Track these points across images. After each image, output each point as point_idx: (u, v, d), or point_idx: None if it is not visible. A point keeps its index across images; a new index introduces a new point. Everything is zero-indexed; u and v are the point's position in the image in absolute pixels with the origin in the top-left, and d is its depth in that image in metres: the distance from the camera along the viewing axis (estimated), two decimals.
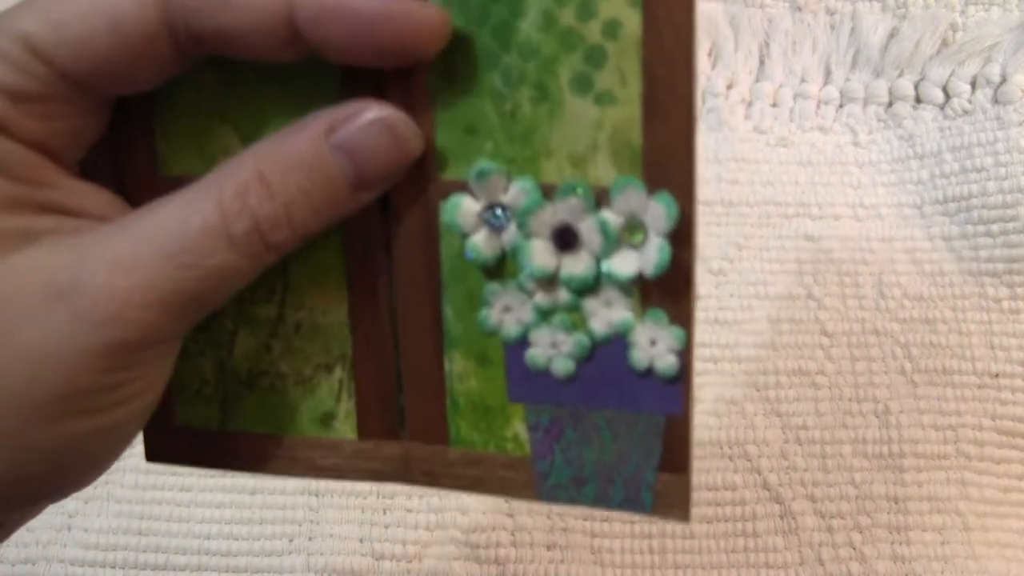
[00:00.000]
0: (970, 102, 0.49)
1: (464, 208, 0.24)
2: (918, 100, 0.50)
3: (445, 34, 0.22)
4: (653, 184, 0.22)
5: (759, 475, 0.42)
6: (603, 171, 0.23)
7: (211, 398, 0.27)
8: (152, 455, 0.27)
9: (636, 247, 0.23)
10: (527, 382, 0.25)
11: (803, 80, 0.51)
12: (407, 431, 0.26)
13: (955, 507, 0.41)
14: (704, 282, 0.47)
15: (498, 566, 0.41)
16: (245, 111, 0.24)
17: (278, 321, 0.26)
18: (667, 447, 0.24)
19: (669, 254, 0.22)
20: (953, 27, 0.51)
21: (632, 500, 0.25)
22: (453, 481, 0.26)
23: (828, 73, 0.52)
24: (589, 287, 0.23)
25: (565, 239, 0.23)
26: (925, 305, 0.45)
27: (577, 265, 0.23)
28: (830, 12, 0.53)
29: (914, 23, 0.51)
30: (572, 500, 0.25)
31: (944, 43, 0.51)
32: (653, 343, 0.23)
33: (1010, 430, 0.43)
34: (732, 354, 0.45)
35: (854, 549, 0.41)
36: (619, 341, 0.24)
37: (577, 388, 0.24)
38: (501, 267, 0.24)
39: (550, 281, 0.24)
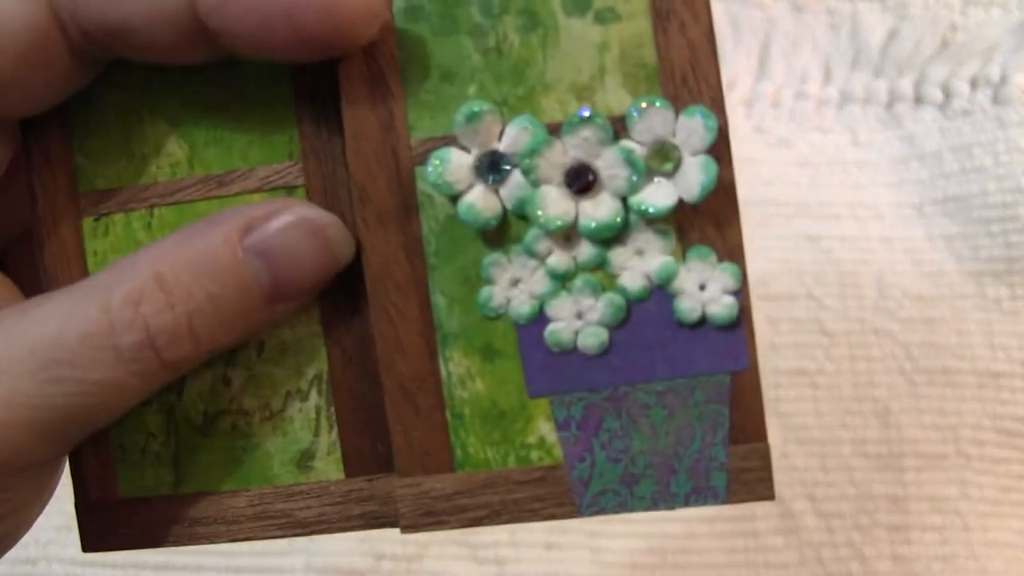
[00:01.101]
0: (970, 102, 0.49)
1: (453, 162, 0.20)
2: (918, 100, 0.50)
3: (378, 16, 0.19)
4: (678, 102, 0.20)
5: None
6: (615, 98, 0.20)
7: (161, 455, 0.22)
8: (90, 544, 0.22)
9: (668, 175, 0.20)
10: (550, 369, 0.21)
11: (803, 80, 0.51)
12: (398, 464, 0.21)
13: (955, 507, 0.41)
14: None
15: (498, 566, 0.41)
16: (178, 99, 0.22)
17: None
18: (737, 412, 0.20)
19: (716, 170, 0.19)
20: (953, 27, 0.51)
21: (702, 490, 0.20)
22: (465, 516, 0.21)
23: (828, 73, 0.52)
24: (615, 234, 0.20)
25: (582, 180, 0.20)
26: (925, 305, 0.45)
27: (599, 208, 0.20)
28: (830, 12, 0.53)
29: (914, 23, 0.51)
30: (625, 506, 0.21)
31: (944, 43, 0.51)
32: (702, 287, 0.20)
33: (1010, 430, 0.43)
34: None
35: (854, 549, 0.41)
36: (660, 294, 0.20)
37: (614, 363, 0.20)
38: (502, 233, 0.20)
39: (566, 237, 0.20)
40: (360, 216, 0.21)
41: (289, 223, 0.19)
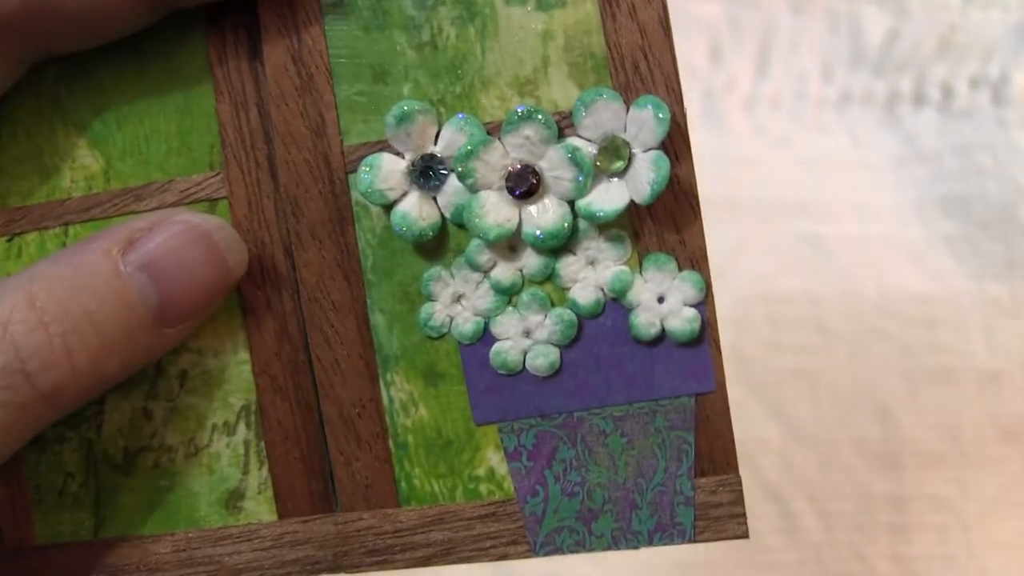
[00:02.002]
0: (970, 102, 0.49)
1: (384, 168, 0.18)
2: (918, 100, 0.50)
3: None
4: (631, 93, 0.18)
5: (759, 475, 0.42)
6: (560, 92, 0.18)
7: (79, 497, 0.20)
8: None
9: (619, 175, 0.18)
10: (497, 393, 0.19)
11: (803, 80, 0.51)
12: (341, 498, 0.20)
13: (955, 507, 0.41)
14: None
15: (498, 566, 0.40)
16: (91, 107, 0.20)
17: (156, 374, 0.20)
18: (703, 440, 0.18)
19: (668, 165, 0.17)
20: (953, 27, 0.51)
21: (666, 527, 0.19)
22: (412, 555, 0.19)
23: (828, 73, 0.52)
24: (563, 242, 0.18)
25: (524, 183, 0.18)
26: (925, 305, 0.45)
27: (544, 214, 0.18)
28: (830, 12, 0.53)
29: (914, 23, 0.51)
30: (583, 545, 0.19)
31: (944, 43, 0.51)
32: (661, 299, 0.18)
33: (1010, 430, 0.43)
34: (732, 354, 0.45)
35: (854, 549, 0.41)
36: (615, 308, 0.18)
37: (567, 386, 0.19)
38: (442, 245, 0.19)
39: (511, 247, 0.18)
40: (293, 231, 0.19)
41: (173, 232, 0.18)
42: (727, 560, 0.41)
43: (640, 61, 0.18)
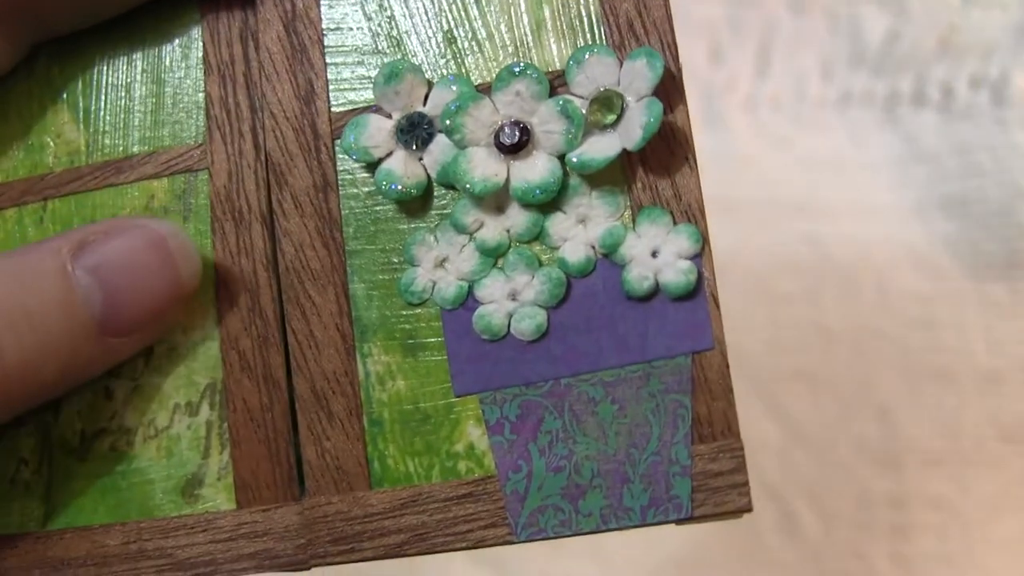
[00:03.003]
0: (970, 102, 0.49)
1: (370, 127, 0.18)
2: (918, 100, 0.50)
3: None
4: (624, 52, 0.17)
5: (759, 475, 0.42)
6: (555, 53, 0.18)
7: (31, 485, 0.19)
8: None
9: (612, 128, 0.17)
10: (479, 361, 0.18)
11: (803, 80, 0.51)
12: (308, 482, 0.18)
13: (955, 507, 0.41)
14: None
15: (498, 566, 0.41)
16: (81, 83, 0.20)
17: None
18: (700, 403, 0.17)
19: (660, 108, 0.16)
20: (953, 27, 0.51)
21: (661, 502, 0.17)
22: (381, 544, 0.18)
23: (828, 73, 0.52)
24: (552, 197, 0.17)
25: (512, 137, 0.17)
26: (925, 305, 0.45)
27: (533, 169, 0.17)
28: (830, 12, 0.53)
29: (914, 23, 0.51)
30: (569, 526, 0.17)
31: (944, 43, 0.51)
32: (655, 253, 0.17)
33: (1010, 430, 0.43)
34: (732, 354, 0.45)
35: (854, 549, 0.41)
36: (606, 266, 0.17)
37: (554, 351, 0.17)
38: (427, 209, 0.18)
39: (498, 207, 0.18)
40: (276, 199, 0.19)
41: (130, 236, 0.17)
42: (727, 559, 0.41)
43: (635, 19, 0.17)
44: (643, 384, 0.17)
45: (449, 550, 0.18)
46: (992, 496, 0.42)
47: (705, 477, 0.17)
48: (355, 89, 0.19)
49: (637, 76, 0.17)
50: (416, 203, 0.18)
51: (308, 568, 0.18)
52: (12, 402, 0.17)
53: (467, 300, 0.18)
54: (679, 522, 0.16)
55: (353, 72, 0.19)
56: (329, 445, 0.18)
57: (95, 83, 0.20)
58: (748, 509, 0.16)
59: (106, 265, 0.17)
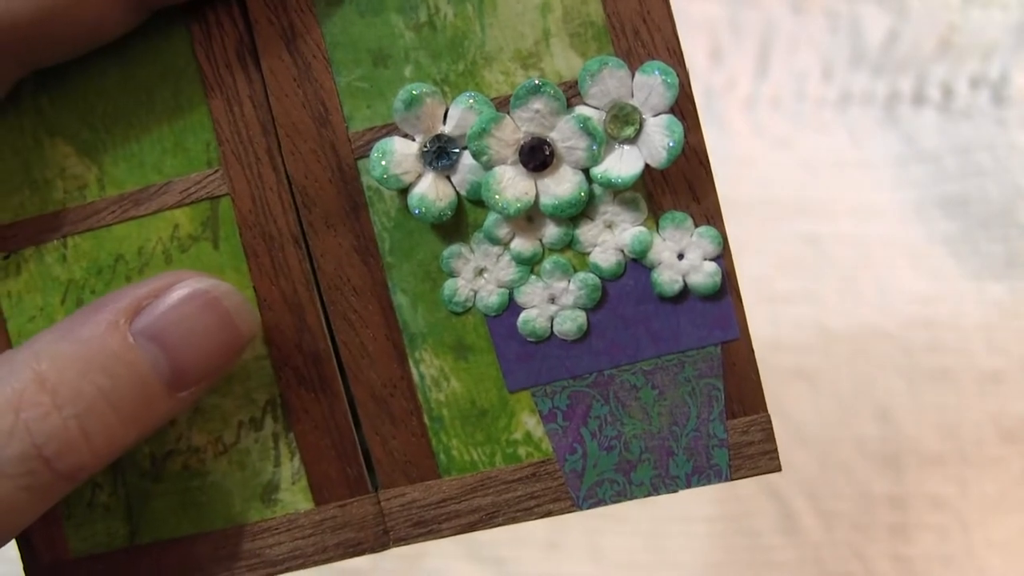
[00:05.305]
0: (970, 102, 0.49)
1: (397, 153, 0.18)
2: (918, 100, 0.50)
3: None
4: (633, 60, 0.18)
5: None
6: (564, 63, 0.18)
7: (110, 506, 0.20)
8: None
9: (630, 141, 0.18)
10: (527, 360, 0.19)
11: (803, 80, 0.51)
12: (380, 476, 0.20)
13: (955, 507, 0.41)
14: None
15: (498, 566, 0.41)
16: (76, 115, 0.20)
17: None
18: (731, 385, 0.19)
19: (682, 129, 0.18)
20: (953, 27, 0.51)
21: (703, 469, 0.19)
22: (458, 523, 0.20)
23: (828, 73, 0.52)
24: (581, 209, 0.18)
25: (538, 156, 0.18)
26: (925, 305, 0.45)
27: (560, 184, 0.18)
28: (830, 12, 0.53)
29: (914, 23, 0.51)
30: (625, 495, 0.19)
31: (944, 43, 0.51)
32: (681, 256, 0.19)
33: (1010, 430, 0.43)
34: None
35: (854, 549, 0.41)
36: (636, 268, 0.19)
37: (596, 347, 0.19)
38: (459, 221, 0.19)
39: (529, 218, 0.19)
40: (306, 221, 0.19)
41: (181, 297, 0.17)
42: (727, 559, 0.41)
43: (640, 26, 0.18)
44: (679, 371, 0.19)
45: (520, 522, 0.19)
46: (992, 496, 0.42)
47: (740, 447, 0.19)
48: (370, 106, 0.19)
49: (653, 92, 0.18)
50: (448, 219, 0.19)
51: (387, 548, 0.20)
52: (102, 468, 0.17)
53: (509, 306, 0.19)
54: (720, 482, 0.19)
55: (364, 88, 0.19)
56: (396, 443, 0.20)
57: (92, 113, 0.20)
58: (778, 470, 0.19)
59: (167, 331, 0.17)
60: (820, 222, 0.48)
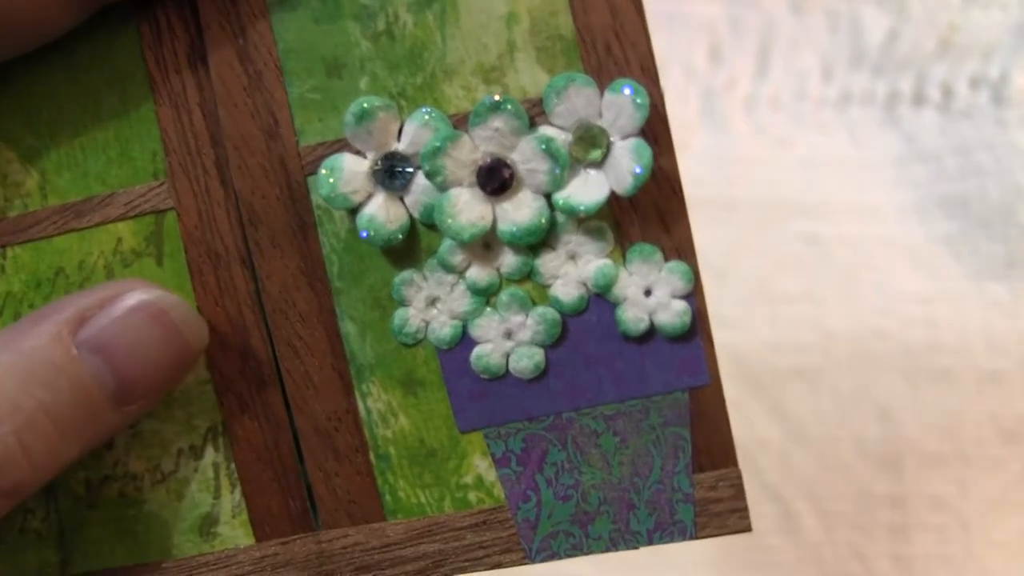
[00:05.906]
0: (970, 102, 0.49)
1: (346, 171, 0.17)
2: (918, 100, 0.50)
3: None
4: (603, 77, 0.17)
5: (759, 475, 0.42)
6: (529, 79, 0.17)
7: (42, 534, 0.19)
8: None
9: (597, 165, 0.16)
10: (480, 398, 0.18)
11: (803, 80, 0.51)
12: (323, 515, 0.19)
13: (955, 507, 0.41)
14: (704, 283, 0.47)
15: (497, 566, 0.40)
16: (20, 119, 0.19)
17: None
18: (700, 435, 0.18)
19: (650, 153, 0.16)
20: (953, 27, 0.51)
21: (666, 525, 0.18)
22: (403, 569, 0.18)
23: (828, 73, 0.52)
24: (541, 238, 0.17)
25: (496, 179, 0.17)
26: (925, 305, 0.45)
27: (519, 210, 0.17)
28: (830, 12, 0.53)
29: (914, 23, 0.51)
30: (580, 549, 0.18)
31: (944, 43, 0.51)
32: (648, 292, 0.17)
33: (1010, 430, 0.43)
34: (732, 354, 0.45)
35: (854, 549, 0.41)
36: (600, 304, 0.17)
37: (554, 387, 0.18)
38: (413, 246, 0.18)
39: (486, 245, 0.17)
40: (252, 240, 0.18)
41: (127, 309, 0.17)
42: (727, 560, 0.41)
43: (612, 42, 0.17)
44: (643, 417, 0.18)
45: (468, 572, 0.18)
46: (992, 496, 0.42)
47: (706, 503, 0.18)
48: (322, 120, 0.18)
49: (621, 112, 0.16)
50: (400, 243, 0.18)
51: None
52: (43, 484, 0.17)
53: (462, 339, 0.18)
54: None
55: (317, 100, 0.18)
56: (340, 481, 0.18)
57: (36, 118, 0.19)
58: (748, 530, 0.17)
59: (112, 343, 0.16)
60: (820, 222, 0.47)
